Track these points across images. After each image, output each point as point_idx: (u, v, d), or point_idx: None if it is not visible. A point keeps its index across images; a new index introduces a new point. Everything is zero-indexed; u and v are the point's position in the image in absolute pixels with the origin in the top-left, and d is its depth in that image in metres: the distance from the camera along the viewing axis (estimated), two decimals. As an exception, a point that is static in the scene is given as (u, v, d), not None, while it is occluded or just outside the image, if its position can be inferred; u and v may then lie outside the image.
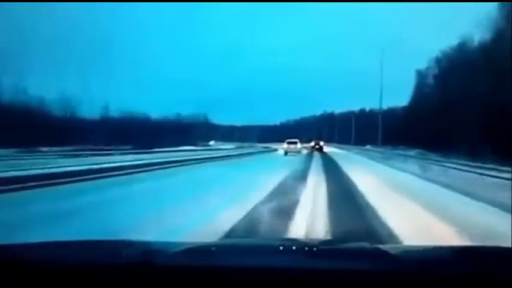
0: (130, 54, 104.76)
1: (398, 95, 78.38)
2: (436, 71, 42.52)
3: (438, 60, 41.69)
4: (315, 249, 1.74)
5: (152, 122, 53.56)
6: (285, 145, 33.99)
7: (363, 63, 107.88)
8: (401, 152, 38.64)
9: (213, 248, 1.73)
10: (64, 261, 1.36)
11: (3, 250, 1.43)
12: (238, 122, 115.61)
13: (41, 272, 1.26)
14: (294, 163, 21.87)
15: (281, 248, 1.78)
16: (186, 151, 36.27)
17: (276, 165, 20.07)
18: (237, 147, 59.14)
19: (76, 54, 67.44)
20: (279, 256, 1.59)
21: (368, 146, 55.66)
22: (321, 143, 44.71)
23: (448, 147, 34.25)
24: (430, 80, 43.67)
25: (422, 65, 46.01)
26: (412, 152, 36.22)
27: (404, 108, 58.79)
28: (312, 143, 44.88)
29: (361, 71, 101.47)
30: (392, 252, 1.54)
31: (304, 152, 37.36)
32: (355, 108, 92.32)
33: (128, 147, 38.11)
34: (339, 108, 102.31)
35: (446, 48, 39.21)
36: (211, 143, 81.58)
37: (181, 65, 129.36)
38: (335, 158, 30.35)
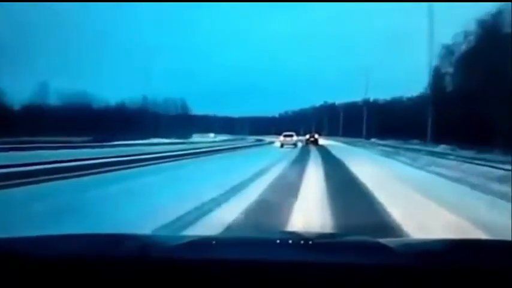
0: (122, 46, 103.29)
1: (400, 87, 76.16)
2: (464, 47, 34.61)
3: (467, 34, 33.78)
4: (314, 242, 1.68)
5: (117, 110, 44.40)
6: (282, 138, 34.74)
7: (364, 55, 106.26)
8: (420, 147, 31.34)
9: (210, 242, 1.68)
10: (60, 254, 1.34)
11: (1, 244, 1.43)
12: (236, 113, 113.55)
13: (37, 265, 1.25)
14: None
15: (281, 241, 1.72)
16: (154, 145, 29.19)
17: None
18: (224, 141, 52.47)
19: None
20: (278, 249, 1.55)
21: (373, 140, 50.18)
22: (316, 136, 44.63)
23: (481, 140, 27.25)
24: (456, 59, 35.72)
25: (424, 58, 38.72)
26: (439, 148, 28.88)
27: (418, 97, 51.35)
28: (307, 136, 44.99)
29: (362, 62, 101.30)
30: (392, 245, 1.48)
31: (300, 145, 36.21)
32: (358, 98, 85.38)
33: (87, 138, 30.89)
34: (340, 99, 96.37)
35: (481, 15, 31.19)
36: (211, 135, 76.19)
37: (176, 56, 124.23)
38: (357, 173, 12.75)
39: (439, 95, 38.64)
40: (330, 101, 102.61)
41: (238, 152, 26.63)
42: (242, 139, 65.82)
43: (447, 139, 32.14)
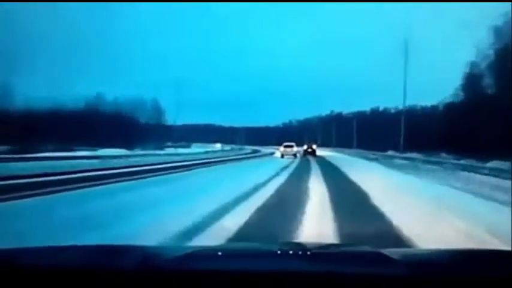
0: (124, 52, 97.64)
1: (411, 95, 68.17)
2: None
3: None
4: (315, 252, 1.69)
5: (54, 111, 32.72)
6: (282, 148, 35.12)
7: (370, 63, 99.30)
8: (462, 162, 22.88)
9: (211, 253, 1.68)
10: (64, 266, 1.34)
11: (3, 254, 1.43)
12: (238, 123, 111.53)
13: (41, 276, 1.24)
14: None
15: (283, 251, 1.70)
16: (94, 158, 21.02)
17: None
18: (206, 152, 45.04)
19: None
20: (280, 260, 1.54)
21: (390, 152, 42.26)
22: (314, 147, 43.25)
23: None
24: (505, 45, 27.04)
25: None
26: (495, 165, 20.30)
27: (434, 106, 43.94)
28: (305, 147, 42.79)
29: (369, 70, 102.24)
30: (393, 255, 1.48)
31: (298, 158, 32.94)
32: (366, 107, 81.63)
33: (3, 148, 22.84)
34: (347, 108, 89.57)
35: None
36: (218, 145, 72.28)
37: (181, 65, 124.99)
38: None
39: (480, 97, 30.42)
40: (337, 110, 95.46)
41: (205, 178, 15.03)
42: (240, 149, 62.44)
43: (490, 151, 24.06)
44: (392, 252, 1.55)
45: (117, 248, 1.72)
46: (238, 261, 1.48)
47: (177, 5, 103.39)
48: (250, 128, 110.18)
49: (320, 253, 1.67)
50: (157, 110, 48.92)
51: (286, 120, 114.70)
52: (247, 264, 1.39)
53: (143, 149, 33.53)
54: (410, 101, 65.02)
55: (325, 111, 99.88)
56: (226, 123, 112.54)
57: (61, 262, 1.36)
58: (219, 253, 1.65)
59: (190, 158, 26.10)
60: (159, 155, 29.40)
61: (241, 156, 35.47)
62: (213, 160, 25.66)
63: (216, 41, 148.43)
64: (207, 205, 7.17)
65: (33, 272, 1.24)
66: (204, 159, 26.64)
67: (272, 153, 42.48)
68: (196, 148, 59.10)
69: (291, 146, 34.97)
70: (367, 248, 1.85)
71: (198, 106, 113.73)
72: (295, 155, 33.76)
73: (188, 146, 63.77)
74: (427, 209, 7.73)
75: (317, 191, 10.09)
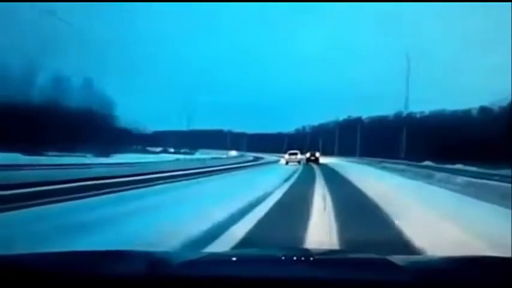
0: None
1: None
2: None
3: None
4: (320, 259, 1.72)
5: None
6: (287, 156, 38.35)
7: (389, 66, 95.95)
8: None
9: (216, 259, 1.72)
10: (69, 271, 1.33)
11: (8, 259, 1.42)
12: (250, 129, 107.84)
13: (46, 282, 1.24)
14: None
15: (287, 258, 1.70)
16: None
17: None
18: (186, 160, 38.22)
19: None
20: (284, 266, 1.54)
21: (427, 162, 36.52)
22: (317, 154, 44.12)
23: None
24: None
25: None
26: None
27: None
28: (307, 155, 43.97)
29: (387, 75, 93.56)
30: (398, 262, 1.50)
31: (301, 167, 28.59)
32: (389, 112, 73.47)
33: None
34: (366, 113, 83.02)
35: None
36: (233, 153, 70.23)
37: (191, 68, 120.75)
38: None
39: None
40: (354, 115, 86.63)
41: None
42: (242, 156, 60.38)
43: None
44: (397, 259, 1.53)
45: (125, 253, 1.69)
46: (242, 267, 1.48)
47: (189, 5, 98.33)
48: (262, 134, 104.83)
49: (324, 259, 1.70)
50: (95, 96, 35.06)
51: (300, 126, 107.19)
52: (251, 271, 1.39)
53: (83, 153, 22.65)
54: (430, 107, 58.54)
55: (342, 116, 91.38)
56: (237, 129, 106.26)
57: (68, 267, 1.34)
58: (224, 259, 1.66)
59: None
60: (88, 166, 18.64)
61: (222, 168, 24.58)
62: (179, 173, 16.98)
63: (227, 46, 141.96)
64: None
65: (40, 277, 1.22)
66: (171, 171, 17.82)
67: (277, 161, 42.39)
68: (200, 155, 54.92)
69: (296, 154, 38.54)
70: (372, 255, 1.83)
71: (209, 111, 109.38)
72: (299, 162, 36.80)
73: (192, 153, 61.30)
74: None
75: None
